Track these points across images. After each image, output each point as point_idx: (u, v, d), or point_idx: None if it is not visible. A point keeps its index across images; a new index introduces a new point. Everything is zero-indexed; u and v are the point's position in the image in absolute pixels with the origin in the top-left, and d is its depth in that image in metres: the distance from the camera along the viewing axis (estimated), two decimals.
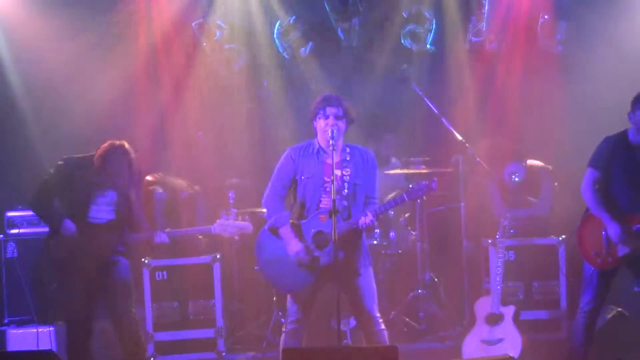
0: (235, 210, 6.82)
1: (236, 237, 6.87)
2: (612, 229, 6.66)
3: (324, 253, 6.24)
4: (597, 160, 6.78)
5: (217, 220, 6.82)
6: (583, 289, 6.93)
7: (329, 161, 6.22)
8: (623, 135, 6.77)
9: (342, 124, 6.32)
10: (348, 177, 6.32)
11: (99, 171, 6.77)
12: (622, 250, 6.68)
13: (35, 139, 8.69)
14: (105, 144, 6.82)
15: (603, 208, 6.71)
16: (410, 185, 6.35)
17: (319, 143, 6.40)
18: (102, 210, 6.79)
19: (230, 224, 6.80)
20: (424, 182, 6.30)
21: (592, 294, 6.85)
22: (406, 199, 6.30)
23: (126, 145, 6.85)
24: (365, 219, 6.18)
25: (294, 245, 6.27)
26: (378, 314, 6.42)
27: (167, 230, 6.96)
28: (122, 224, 6.86)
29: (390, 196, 8.32)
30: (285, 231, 6.31)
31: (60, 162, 6.85)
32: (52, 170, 6.85)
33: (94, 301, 6.82)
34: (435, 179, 6.29)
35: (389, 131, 9.18)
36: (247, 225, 6.83)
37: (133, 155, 6.85)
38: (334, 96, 6.40)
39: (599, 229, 6.74)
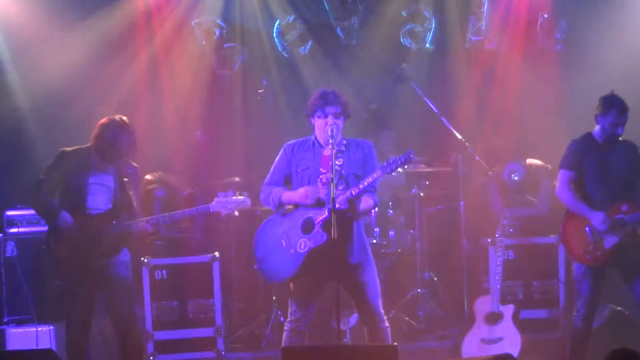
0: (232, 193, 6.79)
1: (235, 213, 6.80)
2: (595, 218, 6.80)
3: (310, 237, 6.24)
4: (569, 162, 6.99)
5: (215, 199, 6.79)
6: (577, 293, 7.00)
7: (325, 153, 6.25)
8: (589, 135, 7.00)
9: (340, 122, 6.34)
10: (340, 167, 6.29)
11: (98, 149, 6.69)
12: (608, 242, 6.81)
13: (35, 138, 8.68)
14: (104, 119, 6.75)
15: (582, 203, 6.88)
16: (389, 159, 6.20)
17: (316, 138, 6.42)
18: (99, 201, 6.74)
19: (229, 200, 6.76)
20: (402, 155, 6.13)
21: (587, 296, 6.92)
22: (385, 172, 6.11)
23: (126, 119, 6.78)
24: (343, 195, 6.10)
25: (302, 192, 6.25)
26: (382, 311, 6.42)
27: (162, 215, 6.88)
28: (119, 213, 6.78)
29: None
30: (287, 194, 6.32)
31: (55, 155, 6.82)
32: (48, 164, 6.81)
33: (93, 298, 6.79)
34: (412, 150, 6.12)
35: (387, 129, 9.17)
36: (245, 200, 6.77)
37: (132, 129, 6.76)
38: (331, 93, 6.37)
39: (582, 227, 6.88)
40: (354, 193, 6.14)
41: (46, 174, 6.77)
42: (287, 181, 6.46)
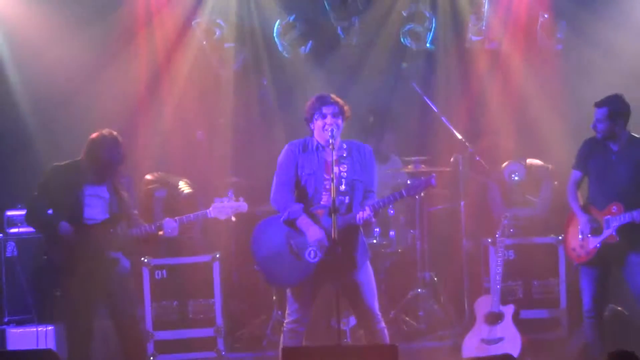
0: (231, 195, 6.80)
1: (233, 218, 6.85)
2: (581, 219, 6.91)
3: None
4: (576, 161, 7.10)
5: (212, 204, 6.81)
6: (581, 291, 7.04)
7: (329, 158, 6.24)
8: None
9: (339, 122, 6.34)
10: (345, 173, 6.33)
11: (89, 164, 6.74)
12: (592, 243, 6.86)
13: (35, 138, 8.69)
14: (94, 135, 6.80)
15: (576, 203, 7.00)
16: (409, 181, 6.37)
17: (317, 140, 6.42)
18: (95, 212, 6.76)
19: (226, 206, 6.78)
20: (422, 178, 6.34)
21: (589, 293, 6.99)
22: (404, 195, 6.30)
23: (115, 134, 6.82)
24: (363, 214, 6.17)
25: (316, 232, 6.22)
26: (379, 312, 6.41)
27: (167, 219, 6.92)
28: (117, 222, 6.81)
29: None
30: (303, 221, 6.27)
31: (46, 171, 6.87)
32: (40, 180, 6.87)
33: (94, 303, 6.80)
34: (434, 175, 6.31)
35: (389, 130, 9.17)
36: (242, 205, 6.80)
37: (122, 144, 6.82)
38: (327, 95, 6.42)
39: (576, 226, 6.98)
40: (372, 213, 6.18)
41: (39, 190, 6.83)
42: (296, 178, 6.40)
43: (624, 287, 7.10)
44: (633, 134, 6.94)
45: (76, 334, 6.77)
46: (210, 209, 6.79)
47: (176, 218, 6.86)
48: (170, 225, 6.79)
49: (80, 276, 6.64)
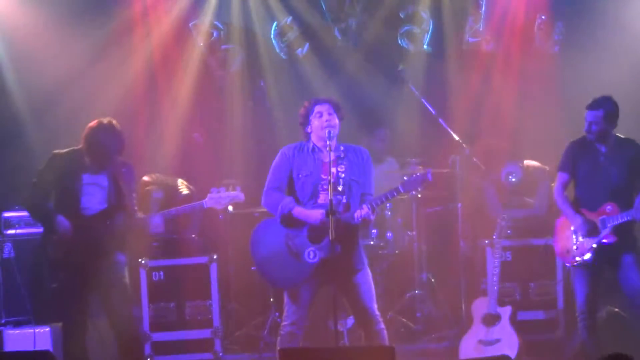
0: (224, 188, 6.82)
1: (229, 208, 6.83)
2: (575, 221, 6.88)
3: (320, 247, 6.24)
4: (563, 164, 7.08)
5: (208, 195, 6.81)
6: (574, 293, 7.03)
7: (325, 159, 6.25)
8: (585, 138, 7.01)
9: (336, 120, 6.36)
10: (343, 173, 6.33)
11: (88, 152, 6.73)
12: (589, 244, 6.83)
13: (33, 140, 8.69)
14: (93, 123, 6.79)
15: (568, 205, 6.97)
16: (406, 177, 6.36)
17: (313, 143, 6.43)
18: (93, 201, 6.74)
19: (222, 196, 6.77)
20: (419, 174, 6.33)
21: (583, 294, 6.97)
22: (402, 191, 6.29)
23: (114, 122, 6.81)
24: (361, 212, 6.16)
25: (317, 215, 6.19)
26: (378, 313, 6.41)
27: (163, 212, 6.90)
28: (114, 212, 6.79)
29: None
30: (298, 210, 6.26)
31: (48, 158, 6.84)
32: (41, 167, 6.84)
33: (90, 298, 6.80)
34: (430, 170, 6.34)
35: (382, 128, 9.16)
36: (238, 195, 6.78)
37: (122, 132, 6.81)
38: (320, 97, 6.49)
39: (569, 227, 6.96)
40: (370, 210, 6.17)
41: (39, 176, 6.79)
42: (289, 183, 6.42)
43: (619, 288, 7.10)
44: (619, 134, 6.97)
45: (71, 328, 6.76)
46: (207, 199, 6.78)
47: (172, 210, 6.84)
48: (154, 222, 6.78)
49: (76, 268, 6.63)
